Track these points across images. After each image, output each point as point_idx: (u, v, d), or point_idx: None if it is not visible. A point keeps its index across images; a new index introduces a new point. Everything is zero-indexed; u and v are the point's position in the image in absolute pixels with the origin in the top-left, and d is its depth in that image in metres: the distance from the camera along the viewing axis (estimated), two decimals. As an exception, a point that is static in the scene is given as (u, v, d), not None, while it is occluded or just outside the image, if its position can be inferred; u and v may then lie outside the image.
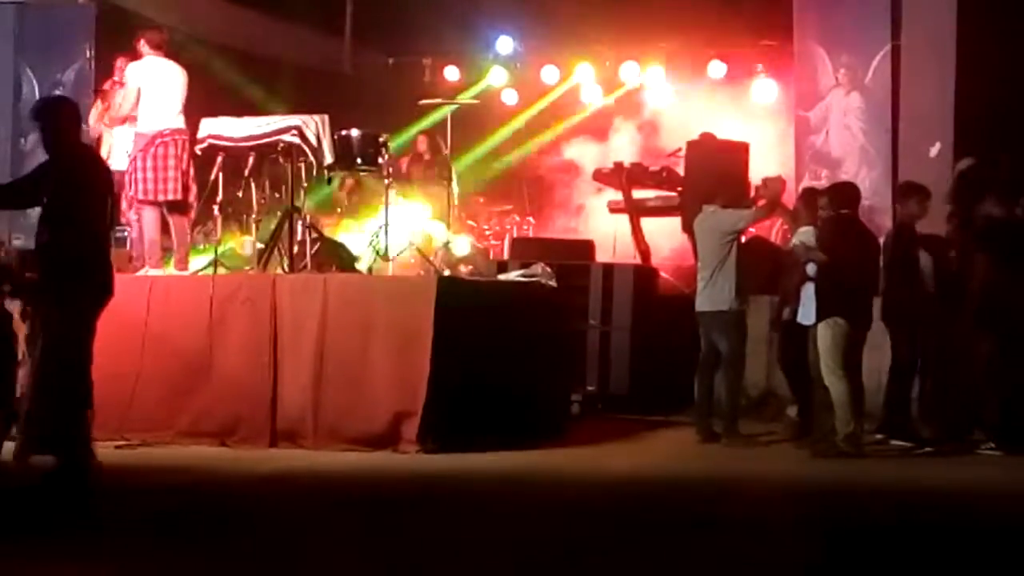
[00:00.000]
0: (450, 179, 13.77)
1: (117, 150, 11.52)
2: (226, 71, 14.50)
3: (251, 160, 11.36)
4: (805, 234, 10.69)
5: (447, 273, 11.59)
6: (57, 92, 13.10)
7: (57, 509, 7.50)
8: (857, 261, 10.09)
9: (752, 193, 11.69)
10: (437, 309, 9.79)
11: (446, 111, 13.74)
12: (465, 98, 15.23)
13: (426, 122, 15.44)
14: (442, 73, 17.77)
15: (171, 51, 11.41)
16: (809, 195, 11.46)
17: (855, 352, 10.05)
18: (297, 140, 11.00)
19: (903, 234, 10.72)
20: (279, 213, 11.43)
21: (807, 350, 10.42)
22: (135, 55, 11.30)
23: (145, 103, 11.05)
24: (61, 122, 8.47)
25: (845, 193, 10.46)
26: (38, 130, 8.58)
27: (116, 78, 11.82)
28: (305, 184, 11.35)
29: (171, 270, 11.07)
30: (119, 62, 11.86)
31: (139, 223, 11.21)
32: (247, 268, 11.39)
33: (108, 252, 8.66)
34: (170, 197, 11.00)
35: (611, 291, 12.98)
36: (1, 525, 6.96)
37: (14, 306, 9.16)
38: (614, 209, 15.11)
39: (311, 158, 11.09)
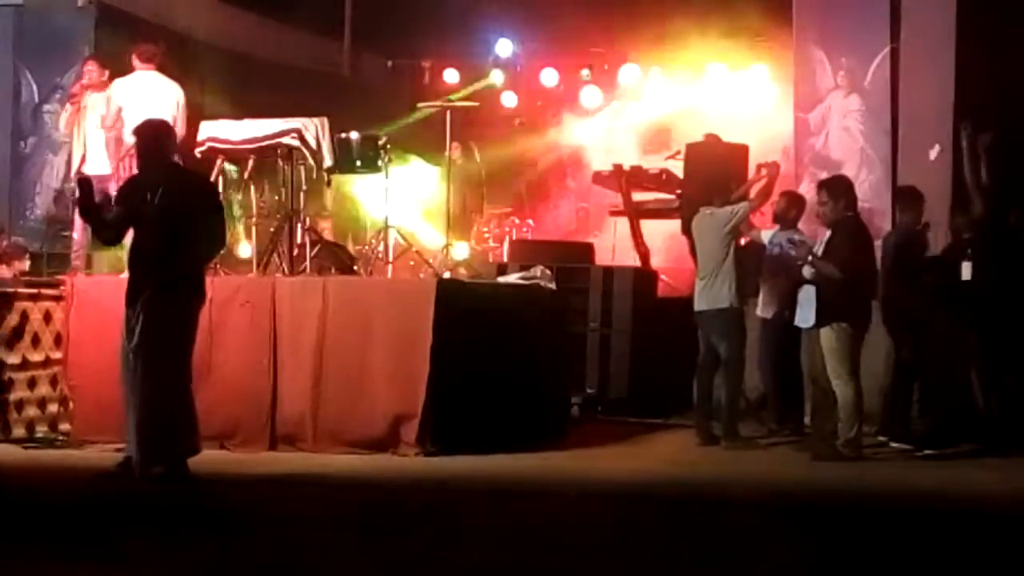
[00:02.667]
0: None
1: (93, 155, 11.53)
2: (225, 74, 14.50)
3: (250, 163, 11.37)
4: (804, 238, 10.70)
5: (446, 275, 11.60)
6: (56, 95, 13.12)
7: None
8: (864, 266, 10.07)
9: (750, 175, 11.72)
10: (437, 312, 9.79)
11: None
12: (460, 98, 15.26)
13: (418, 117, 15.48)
14: (441, 76, 17.77)
15: (166, 62, 11.49)
16: (794, 198, 11.46)
17: (858, 355, 10.04)
18: (297, 143, 11.01)
19: (913, 239, 10.67)
20: (279, 216, 11.43)
21: (796, 351, 10.43)
22: (121, 67, 11.42)
23: (130, 116, 11.09)
24: (164, 143, 8.85)
25: (850, 191, 10.28)
26: (136, 147, 8.88)
27: (84, 81, 11.80)
28: (305, 187, 11.36)
29: None
30: (89, 65, 11.86)
31: None
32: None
33: (204, 261, 9.05)
34: None
35: (611, 294, 12.97)
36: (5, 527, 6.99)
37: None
38: (613, 212, 15.11)
39: (311, 161, 11.10)
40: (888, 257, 10.69)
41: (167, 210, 8.52)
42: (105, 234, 9.04)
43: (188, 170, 9.01)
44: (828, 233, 10.17)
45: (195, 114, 11.44)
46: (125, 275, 8.91)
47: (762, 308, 11.31)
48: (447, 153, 13.83)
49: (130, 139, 10.98)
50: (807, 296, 10.11)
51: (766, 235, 11.24)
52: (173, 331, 8.51)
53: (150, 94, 11.24)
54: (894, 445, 10.43)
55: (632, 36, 16.51)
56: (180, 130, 11.35)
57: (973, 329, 10.48)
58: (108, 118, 11.33)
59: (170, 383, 8.47)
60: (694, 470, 9.77)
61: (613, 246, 14.86)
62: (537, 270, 11.48)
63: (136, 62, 11.37)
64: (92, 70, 11.73)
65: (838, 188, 10.30)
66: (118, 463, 8.61)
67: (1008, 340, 10.38)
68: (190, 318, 8.66)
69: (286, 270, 10.96)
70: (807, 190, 12.26)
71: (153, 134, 8.89)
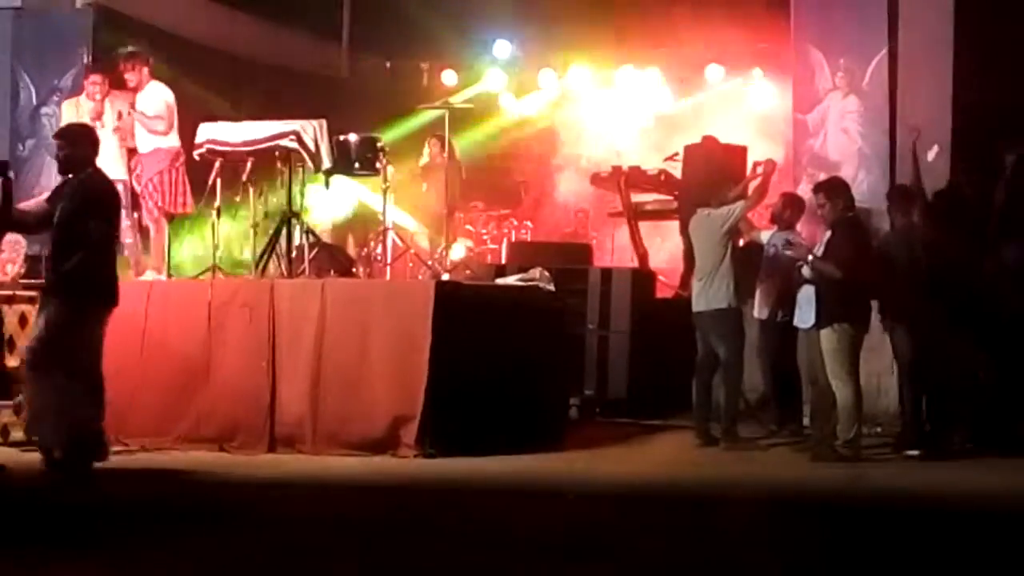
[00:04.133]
0: (460, 183, 13.88)
1: (105, 159, 11.58)
2: (224, 76, 14.50)
3: (249, 165, 11.38)
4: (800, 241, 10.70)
5: (445, 277, 11.60)
6: (55, 97, 13.12)
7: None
8: (864, 266, 10.07)
9: (748, 172, 11.72)
10: (435, 313, 9.80)
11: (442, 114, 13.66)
12: (460, 101, 15.23)
13: (419, 122, 15.39)
14: (440, 77, 17.77)
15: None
16: (790, 199, 11.45)
17: (857, 355, 10.03)
18: (295, 145, 11.03)
19: (915, 238, 10.65)
20: (277, 218, 11.43)
21: (794, 352, 10.42)
22: (121, 79, 11.56)
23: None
24: (85, 148, 8.94)
25: (847, 192, 10.30)
26: (59, 150, 8.95)
27: (99, 96, 11.82)
28: (303, 189, 11.37)
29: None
30: (94, 77, 11.88)
31: (159, 232, 11.53)
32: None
33: (114, 266, 9.04)
34: (188, 210, 11.48)
35: (609, 295, 12.96)
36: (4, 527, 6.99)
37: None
38: (612, 213, 15.11)
39: (309, 163, 11.11)
40: (891, 255, 10.68)
41: (63, 214, 8.64)
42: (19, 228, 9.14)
43: (99, 176, 9.02)
44: (828, 233, 10.18)
45: (193, 116, 11.44)
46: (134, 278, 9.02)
47: (758, 309, 11.32)
48: (457, 157, 13.87)
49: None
50: (806, 296, 10.11)
51: (765, 236, 11.24)
52: (64, 333, 8.56)
53: (146, 102, 11.38)
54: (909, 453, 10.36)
55: (630, 37, 16.50)
56: (172, 133, 11.42)
57: (967, 333, 10.49)
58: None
59: (63, 384, 8.54)
60: (694, 471, 9.77)
61: (611, 247, 14.85)
62: (536, 271, 11.47)
63: (146, 73, 11.52)
64: (99, 81, 11.78)
65: (835, 189, 10.34)
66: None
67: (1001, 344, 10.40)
68: (87, 321, 8.68)
69: (284, 272, 10.96)
70: (805, 191, 12.25)
71: (73, 139, 9.00)
